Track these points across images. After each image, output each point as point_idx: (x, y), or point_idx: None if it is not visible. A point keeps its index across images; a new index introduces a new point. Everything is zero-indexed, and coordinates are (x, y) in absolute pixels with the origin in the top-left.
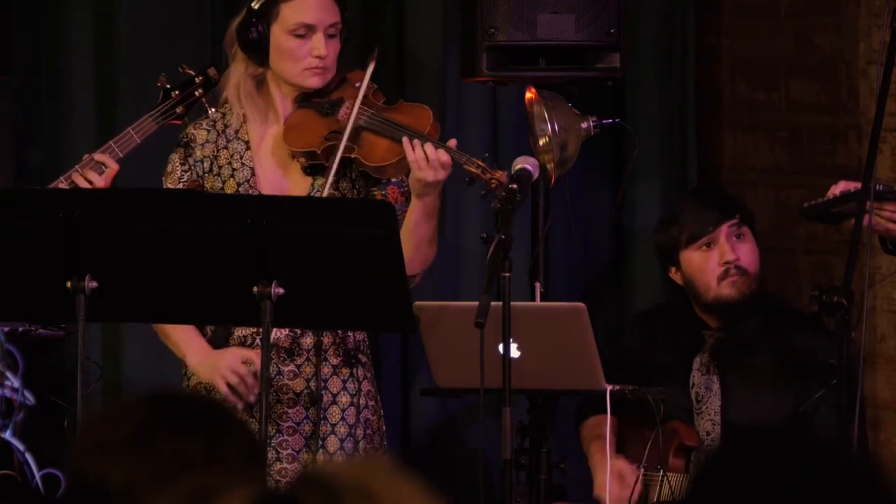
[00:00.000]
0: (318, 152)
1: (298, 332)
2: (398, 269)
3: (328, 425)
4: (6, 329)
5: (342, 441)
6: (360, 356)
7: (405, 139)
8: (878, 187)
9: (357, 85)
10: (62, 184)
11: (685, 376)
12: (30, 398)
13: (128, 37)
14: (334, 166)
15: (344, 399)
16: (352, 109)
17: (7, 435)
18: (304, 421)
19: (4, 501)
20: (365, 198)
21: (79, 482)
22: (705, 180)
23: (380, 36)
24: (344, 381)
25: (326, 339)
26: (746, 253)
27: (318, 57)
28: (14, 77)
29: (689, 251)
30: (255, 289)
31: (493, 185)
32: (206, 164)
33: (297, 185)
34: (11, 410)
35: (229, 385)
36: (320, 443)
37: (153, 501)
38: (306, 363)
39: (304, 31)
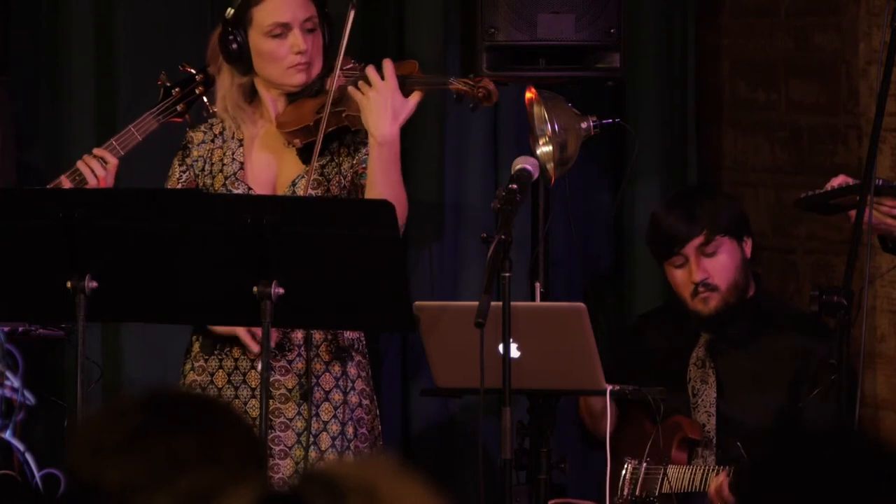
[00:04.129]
0: (311, 125)
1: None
2: (398, 269)
3: (320, 422)
4: (6, 329)
5: (334, 438)
6: (353, 354)
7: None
8: (877, 181)
9: (346, 67)
10: (64, 181)
11: (682, 371)
12: (30, 398)
13: (128, 36)
14: (323, 124)
15: (336, 396)
16: (339, 80)
17: (7, 435)
18: (297, 417)
19: (4, 501)
20: (365, 198)
21: (76, 483)
22: (702, 179)
23: (380, 36)
24: (336, 379)
25: (318, 335)
26: (717, 269)
27: (299, 52)
28: (14, 77)
29: (667, 265)
30: (255, 289)
31: (482, 94)
32: (201, 164)
33: (285, 173)
34: (11, 410)
35: None
36: (312, 439)
37: (150, 502)
38: (297, 358)
39: (281, 31)
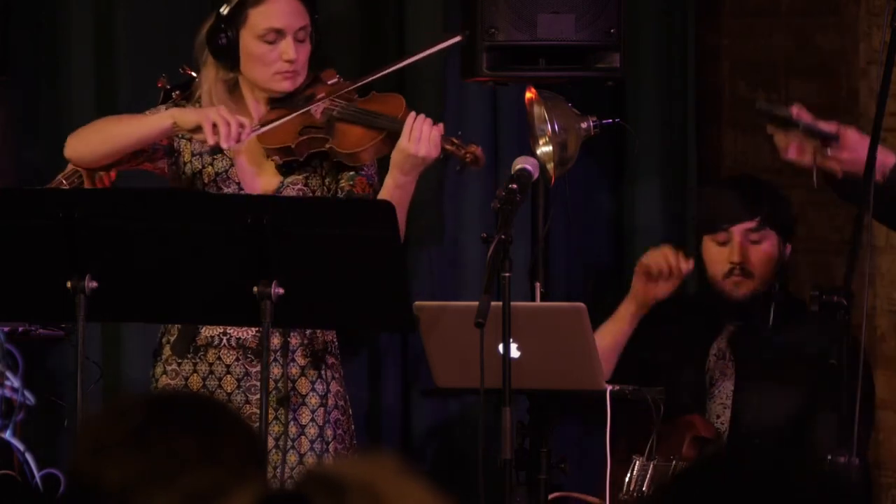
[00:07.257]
0: (293, 147)
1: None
2: (398, 269)
3: (298, 426)
4: (6, 329)
5: (312, 442)
6: (328, 357)
7: (412, 114)
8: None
9: (329, 82)
10: (63, 183)
11: (701, 359)
12: (30, 398)
13: (128, 36)
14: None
15: (313, 400)
16: (324, 102)
17: (7, 435)
18: (273, 422)
19: (4, 501)
20: (365, 198)
21: (76, 482)
22: (706, 180)
23: (380, 36)
24: (312, 383)
25: (294, 340)
26: (757, 257)
27: (289, 61)
28: (14, 77)
29: (707, 238)
30: (255, 289)
31: (469, 159)
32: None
33: (268, 181)
34: (11, 410)
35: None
36: (291, 443)
37: (150, 502)
38: (274, 364)
39: (274, 37)
